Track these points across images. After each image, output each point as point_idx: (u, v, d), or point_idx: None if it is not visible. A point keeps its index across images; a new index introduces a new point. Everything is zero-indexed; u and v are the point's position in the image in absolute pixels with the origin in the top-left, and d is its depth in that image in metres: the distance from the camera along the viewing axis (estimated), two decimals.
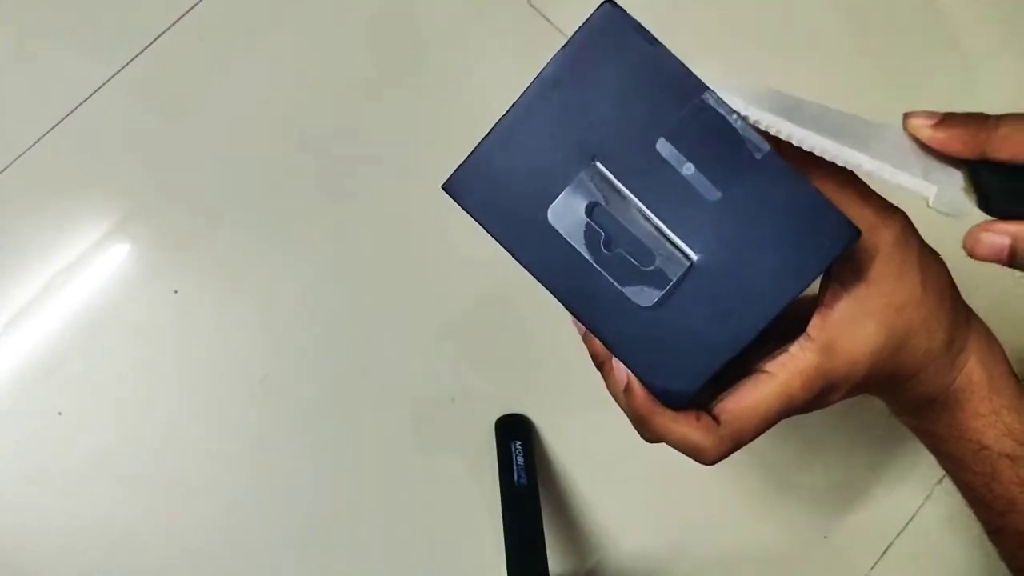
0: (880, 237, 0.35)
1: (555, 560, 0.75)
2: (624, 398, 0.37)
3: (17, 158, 0.74)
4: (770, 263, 0.33)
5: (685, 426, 0.35)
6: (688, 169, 0.33)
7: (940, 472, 0.78)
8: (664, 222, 0.34)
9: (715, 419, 0.36)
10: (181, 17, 0.76)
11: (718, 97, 0.33)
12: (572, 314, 0.36)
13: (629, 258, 0.34)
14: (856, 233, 0.33)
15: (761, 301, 0.34)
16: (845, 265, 0.35)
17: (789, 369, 0.35)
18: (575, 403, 0.76)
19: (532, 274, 0.36)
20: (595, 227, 0.34)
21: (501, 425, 0.75)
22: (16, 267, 0.73)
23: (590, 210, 0.34)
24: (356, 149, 0.77)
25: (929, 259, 0.36)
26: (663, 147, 0.33)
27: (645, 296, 0.34)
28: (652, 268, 0.34)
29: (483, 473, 0.74)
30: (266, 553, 0.74)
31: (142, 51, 0.76)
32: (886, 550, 0.77)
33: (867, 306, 0.35)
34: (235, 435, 0.74)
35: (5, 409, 0.72)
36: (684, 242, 0.34)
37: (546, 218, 0.35)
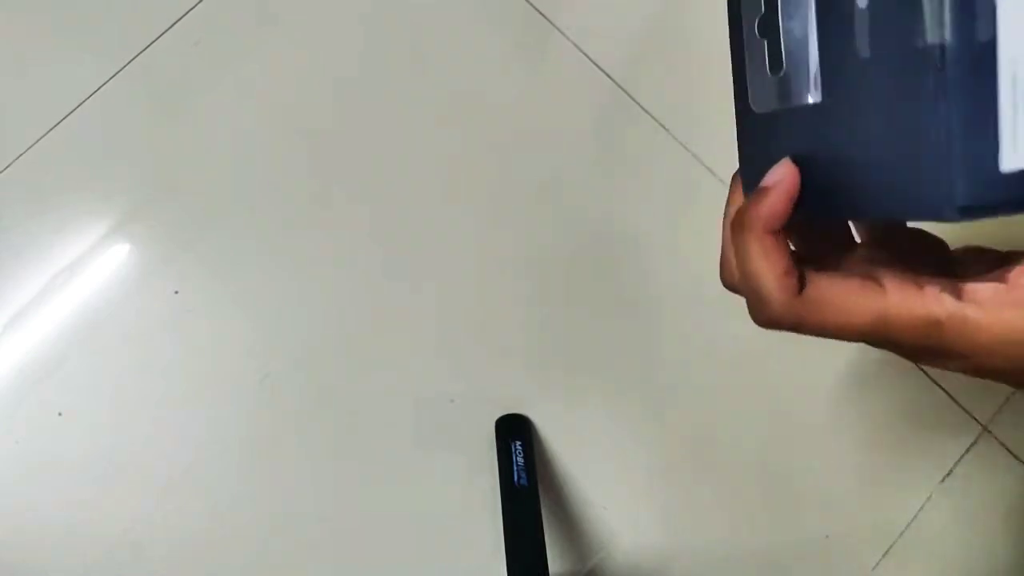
0: None
1: (555, 560, 0.75)
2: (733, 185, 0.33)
3: (17, 158, 0.74)
4: (878, 160, 0.26)
5: (768, 264, 0.30)
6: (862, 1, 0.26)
7: (942, 473, 0.78)
8: (818, 37, 0.27)
9: (800, 280, 0.30)
10: (181, 18, 0.76)
11: None
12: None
13: (765, 52, 0.29)
14: (953, 215, 0.24)
15: (850, 195, 0.27)
16: None
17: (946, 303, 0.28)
18: (575, 404, 0.76)
19: None
20: (762, 2, 0.29)
21: (501, 425, 0.75)
22: (16, 267, 0.73)
23: None
24: (354, 150, 0.76)
25: None
26: None
27: (759, 99, 0.30)
28: (775, 78, 0.29)
29: (483, 473, 0.74)
30: (266, 552, 0.74)
31: (142, 51, 0.76)
32: (888, 550, 0.77)
33: None
34: (235, 435, 0.74)
35: (5, 409, 0.72)
36: (819, 76, 0.28)
37: None
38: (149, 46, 0.76)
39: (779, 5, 0.28)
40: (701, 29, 0.79)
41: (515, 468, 0.71)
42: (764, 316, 0.31)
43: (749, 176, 0.31)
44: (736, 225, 0.30)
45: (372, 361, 0.75)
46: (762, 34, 0.29)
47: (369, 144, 0.76)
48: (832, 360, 0.77)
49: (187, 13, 0.76)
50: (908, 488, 0.77)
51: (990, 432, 0.77)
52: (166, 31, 0.76)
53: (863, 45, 0.26)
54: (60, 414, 0.73)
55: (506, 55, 0.78)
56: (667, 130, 0.78)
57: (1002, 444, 0.77)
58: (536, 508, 0.70)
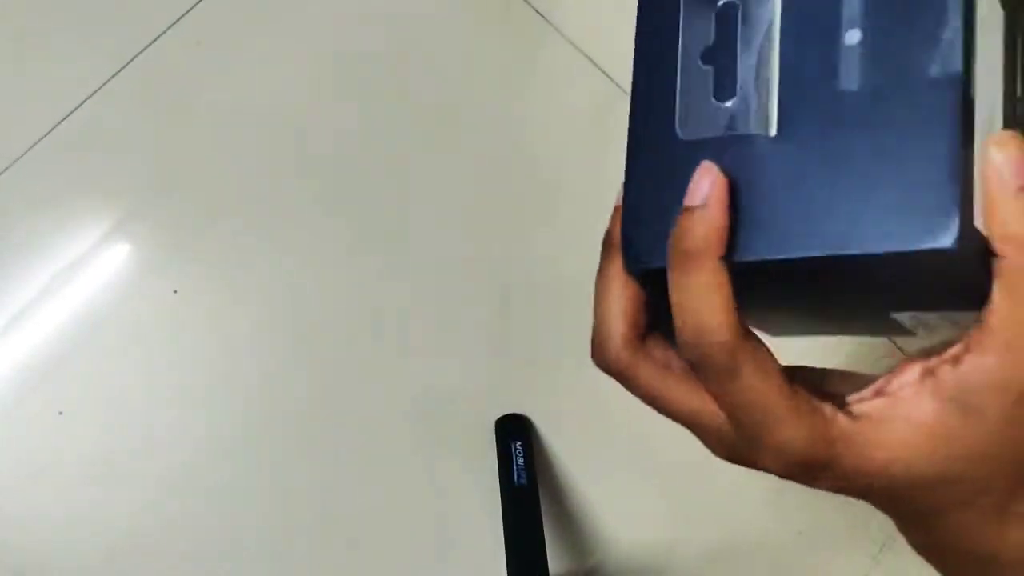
0: None
1: (555, 560, 0.75)
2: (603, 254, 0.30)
3: (18, 158, 0.74)
4: (848, 194, 0.25)
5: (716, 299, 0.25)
6: (853, 37, 0.25)
7: None
8: (781, 70, 0.26)
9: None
10: (180, 18, 0.77)
11: None
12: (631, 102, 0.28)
13: (710, 79, 0.27)
14: (952, 249, 0.23)
15: (803, 235, 0.25)
16: None
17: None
18: (575, 403, 0.76)
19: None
20: (710, 28, 0.27)
21: (501, 425, 0.75)
22: (16, 267, 0.73)
23: (724, 8, 0.26)
24: (354, 151, 0.77)
25: None
26: None
27: (690, 125, 0.27)
28: (723, 106, 0.26)
29: (483, 473, 0.74)
30: (266, 553, 0.74)
31: (141, 51, 0.76)
32: (885, 547, 0.77)
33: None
34: (234, 435, 0.74)
35: (5, 409, 0.72)
36: (778, 108, 0.26)
37: None
38: (149, 46, 0.76)
39: (737, 40, 0.26)
40: None
41: (515, 468, 0.71)
42: (713, 445, 0.28)
43: (646, 204, 0.28)
44: (685, 256, 0.25)
45: (372, 361, 0.75)
46: (708, 62, 0.27)
47: (367, 144, 0.77)
48: (830, 356, 0.77)
49: (187, 13, 0.77)
50: None
51: None
52: (166, 31, 0.76)
53: (849, 79, 0.25)
54: (60, 413, 0.73)
55: (504, 55, 0.78)
56: None
57: None
58: (536, 508, 0.70)
